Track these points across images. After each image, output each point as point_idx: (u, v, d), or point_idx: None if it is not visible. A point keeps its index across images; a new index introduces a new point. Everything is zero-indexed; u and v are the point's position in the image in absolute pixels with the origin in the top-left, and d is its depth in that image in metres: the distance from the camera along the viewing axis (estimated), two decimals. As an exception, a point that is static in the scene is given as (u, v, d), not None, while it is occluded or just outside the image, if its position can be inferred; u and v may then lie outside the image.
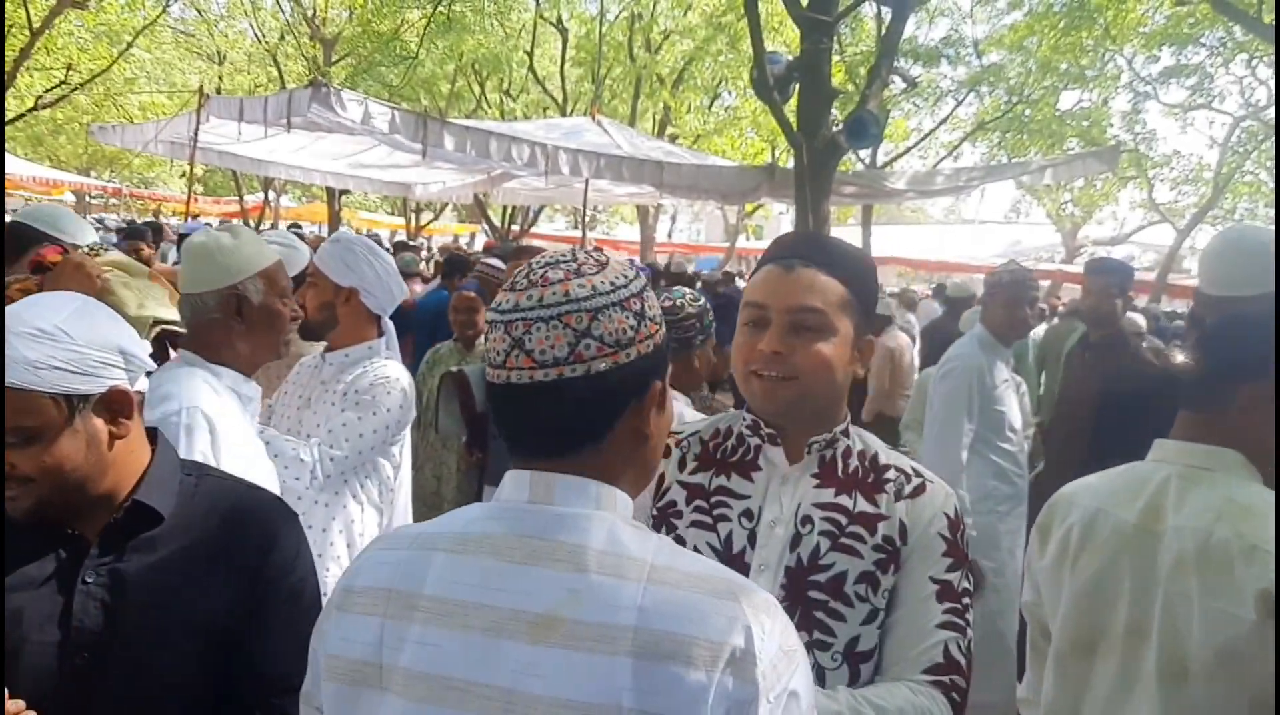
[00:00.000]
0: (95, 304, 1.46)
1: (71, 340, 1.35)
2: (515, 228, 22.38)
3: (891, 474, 1.54)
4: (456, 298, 5.12)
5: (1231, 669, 1.55)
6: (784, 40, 17.59)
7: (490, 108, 23.61)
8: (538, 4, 21.67)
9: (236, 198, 25.82)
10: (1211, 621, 1.56)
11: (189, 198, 12.77)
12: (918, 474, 1.55)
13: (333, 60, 21.41)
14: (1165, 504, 1.68)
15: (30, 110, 16.58)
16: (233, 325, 2.11)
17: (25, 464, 1.34)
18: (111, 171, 34.89)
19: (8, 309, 1.39)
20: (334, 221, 20.77)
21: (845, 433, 1.57)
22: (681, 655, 0.94)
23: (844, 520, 1.48)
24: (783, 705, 0.96)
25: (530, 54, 22.09)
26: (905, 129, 24.12)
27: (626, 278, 1.10)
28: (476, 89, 23.52)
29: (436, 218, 29.05)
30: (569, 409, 1.05)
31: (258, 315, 2.12)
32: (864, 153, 17.62)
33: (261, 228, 19.19)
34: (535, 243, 25.89)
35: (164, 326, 2.46)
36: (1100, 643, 1.74)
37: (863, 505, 1.49)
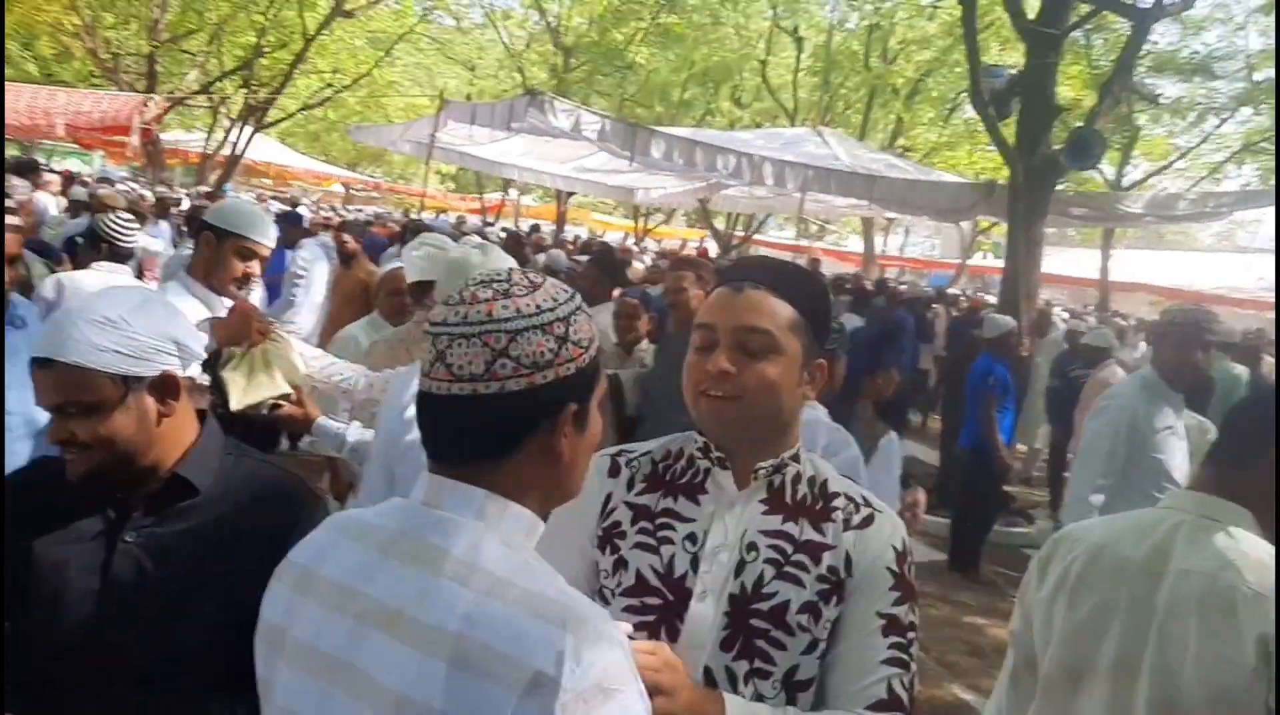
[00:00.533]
0: (158, 299, 1.66)
1: (132, 328, 1.55)
2: (741, 233, 22.55)
3: (840, 502, 1.50)
4: (620, 303, 5.03)
5: (1222, 711, 1.58)
6: (1022, 53, 16.75)
7: (720, 115, 23.84)
8: (774, 13, 21.69)
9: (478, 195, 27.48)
10: (1208, 663, 1.60)
11: (423, 193, 14.09)
12: (867, 503, 1.51)
13: (570, 68, 22.35)
14: (1173, 548, 1.72)
15: (300, 110, 18.40)
16: None
17: (83, 433, 1.54)
18: (376, 167, 37.88)
19: (86, 296, 1.62)
20: (560, 221, 21.71)
21: (795, 458, 1.53)
22: (489, 670, 0.96)
23: (789, 548, 1.45)
24: None
25: (764, 63, 22.15)
26: (1165, 147, 22.39)
27: (555, 302, 1.13)
28: (708, 97, 23.81)
29: (667, 221, 29.67)
30: (478, 423, 1.09)
31: None
32: (1108, 170, 16.55)
33: (493, 224, 20.27)
34: (760, 250, 26.09)
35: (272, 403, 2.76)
36: (1090, 674, 1.77)
37: (809, 534, 1.47)
